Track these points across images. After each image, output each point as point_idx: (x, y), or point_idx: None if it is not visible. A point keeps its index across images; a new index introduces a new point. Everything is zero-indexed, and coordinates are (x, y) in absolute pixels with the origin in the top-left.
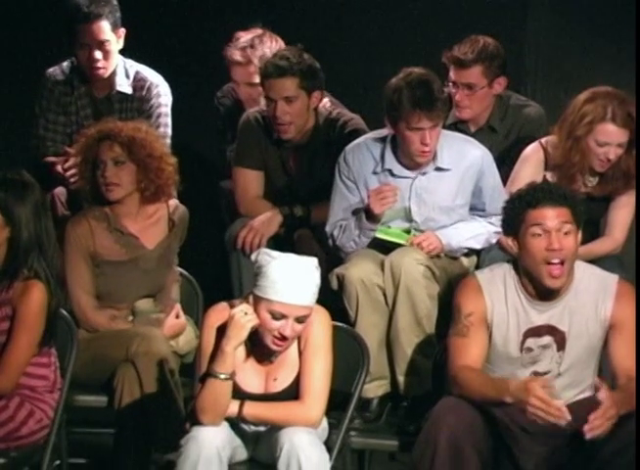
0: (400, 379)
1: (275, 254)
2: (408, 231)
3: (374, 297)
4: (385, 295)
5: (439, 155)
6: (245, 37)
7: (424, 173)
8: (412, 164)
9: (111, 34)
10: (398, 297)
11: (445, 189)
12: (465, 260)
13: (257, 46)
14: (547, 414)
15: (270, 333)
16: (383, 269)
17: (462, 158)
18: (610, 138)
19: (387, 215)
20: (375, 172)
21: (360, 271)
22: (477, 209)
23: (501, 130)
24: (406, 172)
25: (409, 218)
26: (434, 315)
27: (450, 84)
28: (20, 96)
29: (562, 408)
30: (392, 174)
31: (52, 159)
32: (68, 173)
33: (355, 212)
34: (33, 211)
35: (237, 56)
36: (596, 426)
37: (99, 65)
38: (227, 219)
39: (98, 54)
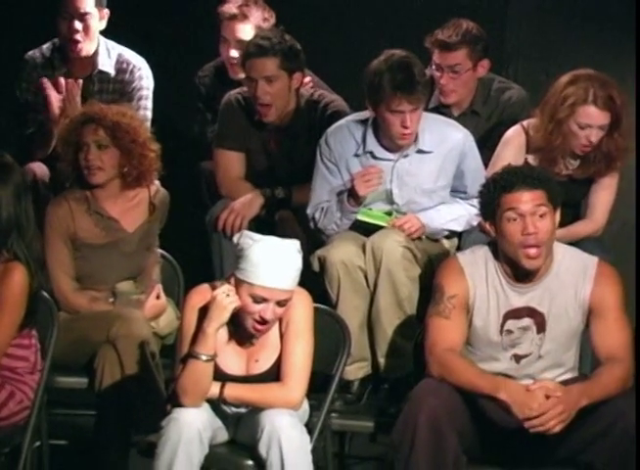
0: (381, 361)
1: (257, 236)
2: (390, 213)
3: (355, 278)
4: (366, 277)
5: (421, 137)
6: None
7: (405, 156)
8: (393, 146)
9: (93, 9)
10: (379, 278)
11: (427, 171)
12: (446, 243)
13: (253, 6)
14: (532, 422)
15: (251, 316)
16: (364, 251)
17: (443, 140)
18: (591, 120)
19: (368, 198)
20: (356, 155)
21: (341, 253)
22: (458, 191)
23: (484, 114)
24: (388, 155)
25: (390, 201)
26: (415, 297)
27: (434, 68)
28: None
29: (550, 421)
30: (374, 157)
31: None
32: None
33: (337, 195)
34: (14, 192)
35: (233, 9)
36: (536, 424)
37: (78, 36)
38: (208, 200)
39: (78, 25)
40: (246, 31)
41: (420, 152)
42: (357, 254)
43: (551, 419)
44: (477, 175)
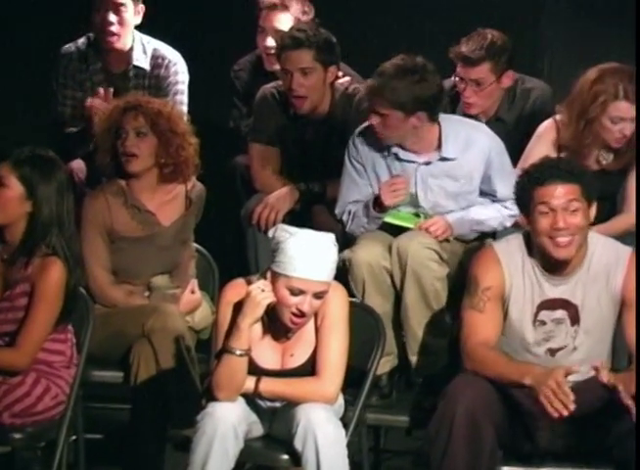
0: (412, 359)
1: (293, 230)
2: (417, 215)
3: (380, 280)
4: (392, 277)
5: (444, 144)
6: None
7: (428, 163)
8: (415, 148)
9: (128, 1)
10: (405, 280)
11: (451, 176)
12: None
13: None
14: (555, 398)
15: (288, 309)
16: (390, 252)
17: (468, 146)
18: (624, 114)
19: None
20: (383, 156)
21: (367, 254)
22: (489, 194)
23: (510, 120)
24: (412, 156)
25: (416, 204)
26: (443, 296)
27: (457, 80)
28: (39, 74)
29: (570, 397)
30: (398, 158)
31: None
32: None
33: (365, 203)
34: (57, 189)
35: None
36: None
37: (112, 28)
38: (242, 195)
39: (112, 17)
40: (284, 22)
41: (443, 159)
42: (383, 255)
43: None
44: (505, 179)
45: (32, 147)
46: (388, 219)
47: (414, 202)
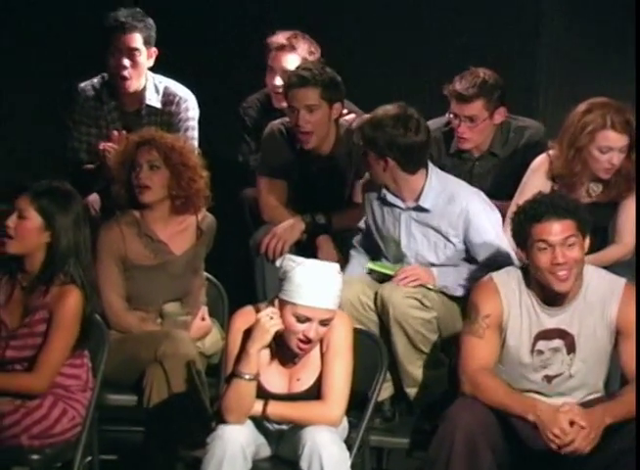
0: (408, 391)
1: (299, 259)
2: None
3: (364, 316)
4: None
5: (424, 195)
6: (288, 31)
7: (407, 209)
8: (400, 195)
9: (142, 46)
10: (391, 327)
11: (432, 227)
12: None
13: (301, 39)
14: (562, 443)
15: (295, 335)
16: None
17: (449, 202)
18: (611, 143)
19: (384, 248)
20: (377, 198)
21: (351, 293)
22: (474, 259)
23: (503, 155)
24: (397, 201)
25: (399, 253)
26: (431, 337)
27: (452, 116)
28: (55, 108)
29: (581, 444)
30: (385, 202)
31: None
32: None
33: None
34: (74, 220)
35: (282, 40)
36: (570, 449)
37: (125, 73)
38: (250, 226)
39: (126, 61)
40: (292, 62)
41: (419, 208)
42: (367, 293)
43: (580, 442)
44: (485, 246)
45: (50, 180)
46: (371, 266)
47: (397, 248)
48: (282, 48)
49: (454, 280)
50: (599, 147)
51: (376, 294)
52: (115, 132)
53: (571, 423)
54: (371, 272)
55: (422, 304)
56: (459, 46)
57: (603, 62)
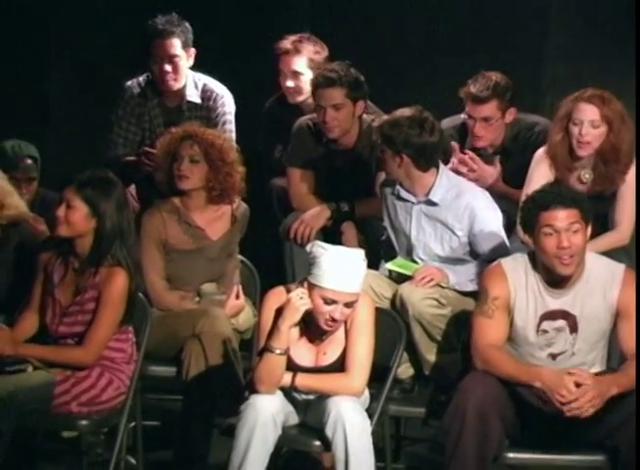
0: (427, 372)
1: (327, 246)
2: (415, 261)
3: (378, 303)
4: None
5: (434, 190)
6: (295, 35)
7: (418, 203)
8: (410, 189)
9: (181, 51)
10: (410, 323)
11: (440, 221)
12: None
13: (305, 41)
14: (570, 406)
15: (322, 316)
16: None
17: (456, 198)
18: (582, 115)
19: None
20: (392, 194)
21: (367, 287)
22: (478, 255)
23: (515, 150)
24: (409, 196)
25: (409, 246)
26: (449, 329)
27: (467, 117)
28: (100, 105)
29: (584, 405)
30: (398, 197)
31: (131, 158)
32: (147, 155)
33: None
34: (116, 205)
35: (287, 45)
36: (574, 407)
37: (168, 78)
38: (278, 213)
39: (168, 67)
40: (299, 64)
41: (429, 202)
42: (381, 284)
43: (584, 404)
44: (488, 239)
45: (92, 170)
46: (389, 266)
47: (408, 241)
48: (287, 52)
49: (464, 277)
50: (573, 119)
51: (395, 292)
52: (148, 149)
53: (578, 386)
54: (390, 273)
55: (438, 302)
56: (470, 49)
57: (608, 63)
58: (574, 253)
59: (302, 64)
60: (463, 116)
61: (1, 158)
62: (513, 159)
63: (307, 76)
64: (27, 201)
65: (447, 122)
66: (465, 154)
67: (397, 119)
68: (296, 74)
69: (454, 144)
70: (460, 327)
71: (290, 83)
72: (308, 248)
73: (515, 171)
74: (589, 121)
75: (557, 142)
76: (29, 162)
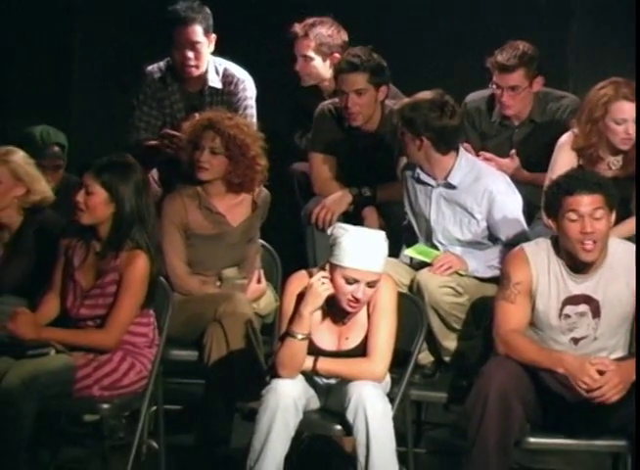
0: (445, 359)
1: (348, 227)
2: (436, 247)
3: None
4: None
5: (452, 172)
6: (311, 18)
7: (437, 186)
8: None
9: (202, 37)
10: (427, 310)
11: (459, 204)
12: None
13: (317, 25)
14: (594, 393)
15: (345, 296)
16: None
17: (475, 181)
18: (626, 115)
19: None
20: (412, 177)
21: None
22: (497, 240)
23: (542, 122)
24: (429, 179)
25: (428, 228)
26: (463, 316)
27: (494, 86)
28: (121, 89)
29: (608, 392)
30: (418, 180)
31: (153, 142)
32: (169, 138)
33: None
34: (135, 188)
35: (297, 29)
36: (598, 395)
37: (191, 63)
38: (299, 197)
39: (190, 54)
40: (308, 48)
41: (448, 185)
42: (398, 271)
43: (608, 391)
44: (507, 224)
45: (110, 155)
46: (408, 253)
47: (427, 225)
48: (296, 36)
49: (483, 263)
50: (614, 119)
51: (412, 279)
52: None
53: (601, 373)
54: (411, 259)
55: (455, 290)
56: (494, 31)
57: (629, 48)
58: (597, 238)
59: (311, 48)
60: (491, 86)
61: (29, 144)
62: (539, 132)
63: (317, 61)
64: (53, 188)
65: (475, 95)
66: (479, 156)
67: (418, 102)
68: (305, 58)
69: (467, 145)
70: (478, 314)
71: (300, 67)
72: (329, 231)
73: (540, 145)
74: (632, 119)
75: (585, 135)
76: (57, 149)
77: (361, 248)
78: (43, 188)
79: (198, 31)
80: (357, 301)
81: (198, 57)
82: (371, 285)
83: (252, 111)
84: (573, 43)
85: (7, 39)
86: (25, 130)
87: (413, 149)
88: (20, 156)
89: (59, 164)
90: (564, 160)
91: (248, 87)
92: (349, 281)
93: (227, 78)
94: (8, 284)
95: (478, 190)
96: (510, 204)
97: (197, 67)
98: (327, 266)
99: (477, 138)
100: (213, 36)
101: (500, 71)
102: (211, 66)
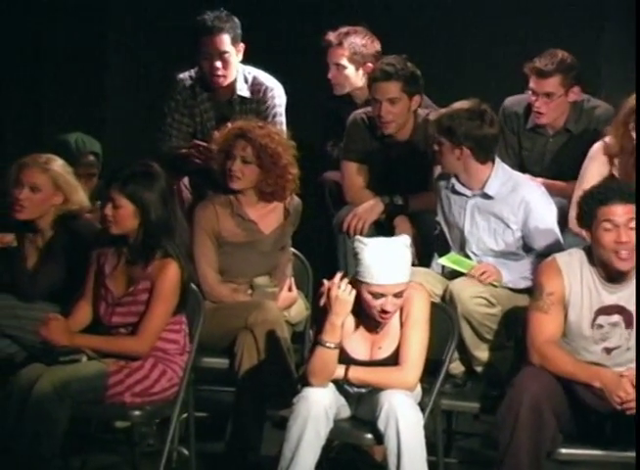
0: (477, 369)
1: (367, 240)
2: (469, 257)
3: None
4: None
5: (489, 182)
6: (346, 27)
7: (473, 196)
8: (467, 183)
9: (230, 47)
10: (459, 320)
11: (494, 215)
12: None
13: (351, 34)
14: (629, 404)
15: (374, 309)
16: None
17: (512, 191)
18: None
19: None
20: (446, 188)
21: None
22: (531, 250)
23: (576, 131)
24: (464, 190)
25: (462, 239)
26: (496, 328)
27: (530, 93)
28: (153, 98)
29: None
30: (453, 190)
31: (184, 151)
32: (198, 148)
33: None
34: (160, 197)
35: (331, 37)
36: (632, 406)
37: (219, 73)
38: (330, 206)
39: (218, 63)
40: (340, 57)
41: (484, 196)
42: (430, 281)
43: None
44: (543, 234)
45: (133, 164)
46: (443, 262)
47: (461, 236)
48: (330, 44)
49: (517, 274)
50: None
51: (445, 288)
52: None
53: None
54: (443, 268)
55: (488, 301)
56: (530, 42)
57: None
58: (632, 248)
59: (345, 57)
60: (526, 92)
61: (64, 151)
62: (573, 141)
63: (350, 70)
64: (87, 196)
65: (513, 98)
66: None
67: (457, 111)
68: (338, 67)
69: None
70: (510, 325)
71: (332, 75)
72: (351, 242)
73: (574, 155)
74: None
75: (619, 141)
76: (92, 158)
77: (382, 262)
78: (81, 198)
79: (225, 41)
80: (387, 312)
81: (226, 66)
82: (398, 295)
83: (282, 118)
84: (607, 50)
85: (41, 47)
86: (61, 138)
87: (452, 159)
88: (59, 164)
89: (93, 173)
90: (595, 169)
91: (277, 95)
92: (376, 296)
93: (256, 87)
94: (41, 290)
95: (514, 200)
96: (546, 214)
97: (225, 76)
98: (348, 277)
99: (515, 142)
100: (242, 46)
101: (537, 77)
102: (240, 74)
